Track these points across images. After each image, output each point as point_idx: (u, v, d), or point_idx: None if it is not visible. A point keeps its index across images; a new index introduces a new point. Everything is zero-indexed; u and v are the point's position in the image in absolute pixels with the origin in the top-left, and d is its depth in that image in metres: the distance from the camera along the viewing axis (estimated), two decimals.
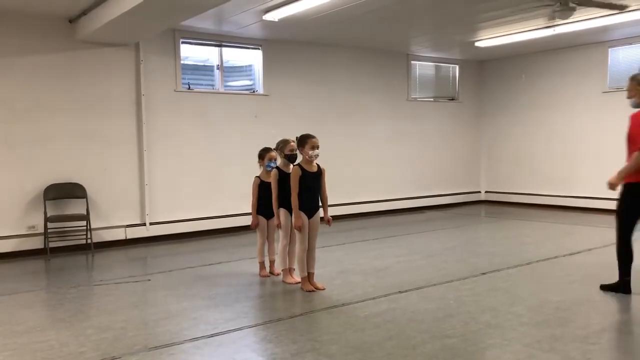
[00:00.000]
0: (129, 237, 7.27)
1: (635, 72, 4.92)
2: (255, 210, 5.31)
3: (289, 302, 4.42)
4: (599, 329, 3.62)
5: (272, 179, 4.99)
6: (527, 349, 3.32)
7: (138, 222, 7.38)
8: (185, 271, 5.67)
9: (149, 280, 5.36)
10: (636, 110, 4.69)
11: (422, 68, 10.50)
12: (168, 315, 4.17)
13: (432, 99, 10.66)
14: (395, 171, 9.95)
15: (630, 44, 8.97)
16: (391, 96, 9.95)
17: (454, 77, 11.00)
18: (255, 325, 3.89)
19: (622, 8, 6.60)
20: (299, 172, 4.62)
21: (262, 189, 5.27)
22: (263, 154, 5.39)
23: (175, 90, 7.66)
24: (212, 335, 3.70)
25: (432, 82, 10.76)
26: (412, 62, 10.23)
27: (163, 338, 3.65)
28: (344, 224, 8.65)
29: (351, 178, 9.27)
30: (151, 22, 6.24)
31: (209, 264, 5.98)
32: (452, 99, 10.97)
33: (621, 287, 4.54)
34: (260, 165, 5.39)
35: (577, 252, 6.18)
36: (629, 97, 4.77)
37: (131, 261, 6.51)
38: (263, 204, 5.28)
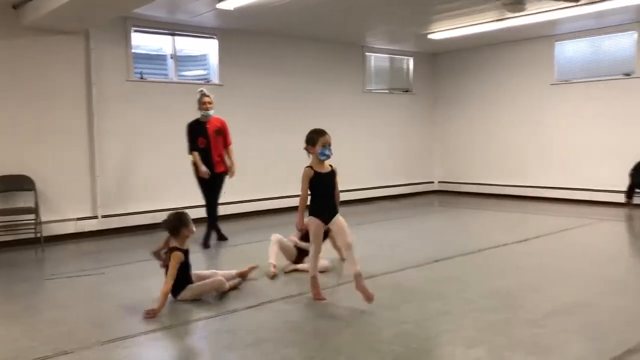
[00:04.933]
0: (80, 230, 7.09)
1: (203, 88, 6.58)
2: (303, 209, 4.16)
3: (246, 294, 4.41)
4: (546, 313, 3.77)
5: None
6: (479, 333, 3.42)
7: (90, 214, 7.20)
8: (140, 264, 5.58)
9: (103, 273, 5.25)
10: (212, 116, 6.38)
11: (377, 60, 10.59)
12: (123, 308, 4.10)
13: (387, 91, 10.78)
14: (350, 162, 10.00)
15: (576, 38, 9.29)
16: (347, 88, 10.01)
17: (409, 69, 11.15)
18: (212, 317, 3.87)
19: (576, 0, 6.81)
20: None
21: (316, 183, 4.09)
22: (315, 137, 4.07)
23: (127, 80, 7.49)
24: (168, 327, 3.66)
25: (387, 74, 10.87)
26: (367, 53, 10.31)
27: (118, 331, 3.59)
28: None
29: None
30: (100, 10, 6.08)
31: None
32: (407, 91, 11.11)
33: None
34: (310, 153, 4.13)
35: (526, 240, 6.39)
36: (210, 108, 6.32)
37: (84, 255, 6.35)
38: (319, 203, 4.13)
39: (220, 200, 6.63)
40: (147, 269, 5.33)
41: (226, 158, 6.48)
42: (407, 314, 3.81)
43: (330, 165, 4.18)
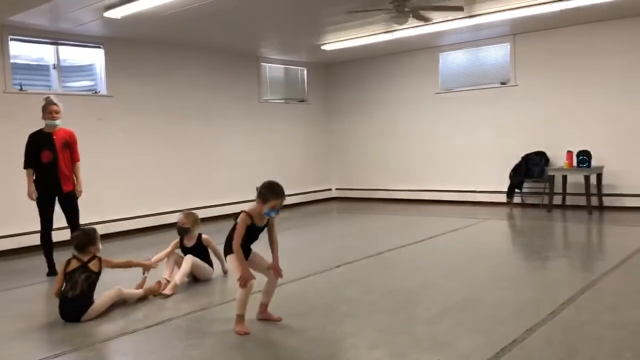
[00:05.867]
0: None
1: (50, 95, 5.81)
2: (243, 259, 3.68)
3: (146, 312, 4.25)
4: (441, 310, 3.96)
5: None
6: (381, 334, 3.54)
7: None
8: (20, 290, 5.20)
9: None
10: (59, 127, 5.66)
11: (272, 70, 10.66)
12: (4, 338, 3.81)
13: (283, 101, 10.87)
14: (248, 172, 9.94)
15: (457, 49, 9.91)
16: (243, 98, 9.97)
17: (303, 79, 11.32)
18: (109, 339, 3.69)
19: (460, 9, 7.16)
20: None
21: (247, 233, 3.73)
22: (269, 197, 3.67)
23: (4, 92, 6.97)
24: (57, 355, 3.43)
25: (283, 84, 10.98)
26: (262, 64, 10.34)
27: None
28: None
29: (204, 181, 9.13)
30: None
31: (40, 282, 5.50)
32: (302, 101, 11.27)
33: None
34: (258, 204, 3.72)
35: (421, 241, 6.69)
36: (58, 118, 5.60)
37: None
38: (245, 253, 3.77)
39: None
40: (28, 295, 5.00)
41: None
42: (312, 321, 3.85)
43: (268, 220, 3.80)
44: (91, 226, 4.50)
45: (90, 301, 4.11)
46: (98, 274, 4.23)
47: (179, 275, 4.80)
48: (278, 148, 10.59)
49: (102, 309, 4.16)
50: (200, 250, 5.10)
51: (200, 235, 5.16)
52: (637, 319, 3.63)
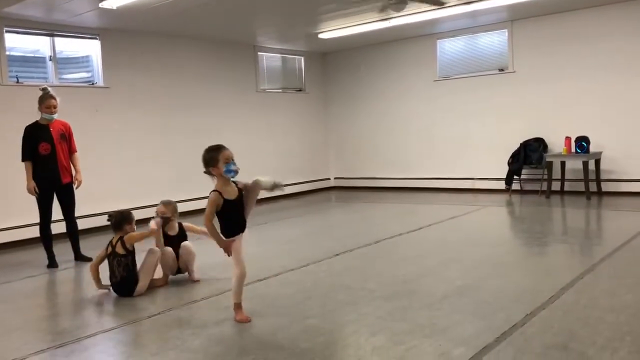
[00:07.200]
0: None
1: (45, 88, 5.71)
2: (216, 232, 3.62)
3: (145, 303, 4.25)
4: (441, 296, 3.97)
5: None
6: (380, 320, 3.55)
7: None
8: (19, 283, 5.20)
9: None
10: (55, 119, 5.65)
11: (269, 59, 10.61)
12: (6, 330, 3.81)
13: (280, 90, 10.83)
14: (246, 162, 9.86)
15: (455, 36, 9.86)
16: (240, 88, 9.94)
17: (300, 68, 11.27)
18: (111, 329, 3.70)
19: (441, 4, 7.19)
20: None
21: (223, 211, 3.63)
22: (214, 155, 3.56)
23: (1, 84, 6.94)
24: (60, 346, 3.44)
25: (280, 73, 10.94)
26: (259, 53, 10.30)
27: (1, 356, 3.32)
28: (195, 218, 8.48)
29: (201, 171, 9.10)
30: None
31: (39, 275, 5.51)
32: (300, 90, 11.24)
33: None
34: (214, 175, 3.66)
35: (419, 229, 6.69)
36: (55, 112, 5.60)
37: None
38: (229, 226, 3.67)
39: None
40: (11, 290, 5.00)
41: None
42: (311, 309, 3.86)
43: (237, 186, 3.71)
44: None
45: (134, 280, 4.37)
46: (127, 254, 4.37)
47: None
48: (276, 138, 10.57)
49: (148, 280, 4.44)
50: (184, 239, 4.89)
51: (180, 224, 4.95)
52: (636, 303, 3.64)
